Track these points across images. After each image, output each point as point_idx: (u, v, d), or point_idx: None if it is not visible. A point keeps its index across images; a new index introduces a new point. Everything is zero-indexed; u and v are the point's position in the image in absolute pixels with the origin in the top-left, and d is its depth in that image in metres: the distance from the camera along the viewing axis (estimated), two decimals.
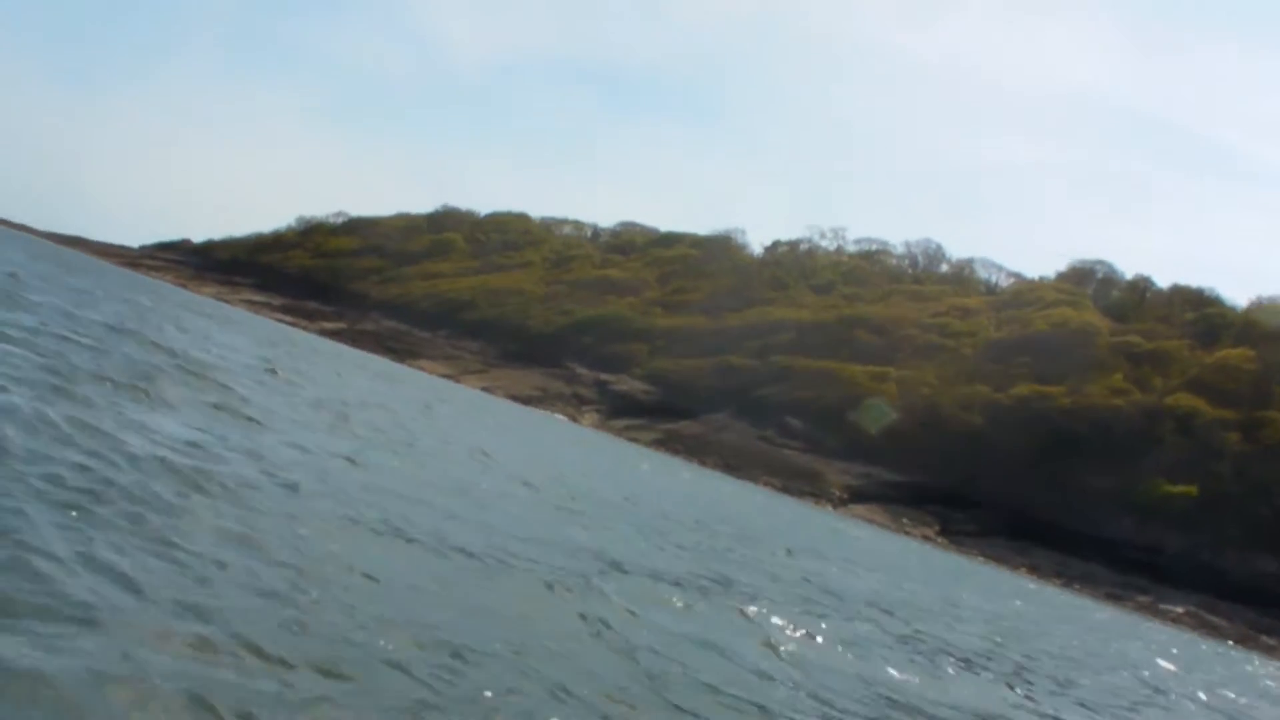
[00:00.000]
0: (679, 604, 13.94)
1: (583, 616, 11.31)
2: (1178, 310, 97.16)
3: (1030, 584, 60.54)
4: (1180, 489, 72.91)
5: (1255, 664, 49.19)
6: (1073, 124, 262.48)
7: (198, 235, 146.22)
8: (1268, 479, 72.12)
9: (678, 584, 15.33)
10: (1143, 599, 65.36)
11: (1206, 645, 53.20)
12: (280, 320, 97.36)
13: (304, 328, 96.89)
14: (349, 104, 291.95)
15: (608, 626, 11.22)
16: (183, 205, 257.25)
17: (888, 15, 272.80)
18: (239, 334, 47.37)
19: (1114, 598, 64.65)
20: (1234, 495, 71.58)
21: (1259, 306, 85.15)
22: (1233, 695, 28.70)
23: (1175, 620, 62.28)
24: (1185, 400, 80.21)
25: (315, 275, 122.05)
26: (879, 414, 74.31)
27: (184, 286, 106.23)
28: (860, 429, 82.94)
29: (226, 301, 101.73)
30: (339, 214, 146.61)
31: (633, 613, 12.13)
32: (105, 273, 76.15)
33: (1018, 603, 41.23)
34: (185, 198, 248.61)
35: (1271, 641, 60.91)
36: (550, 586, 12.22)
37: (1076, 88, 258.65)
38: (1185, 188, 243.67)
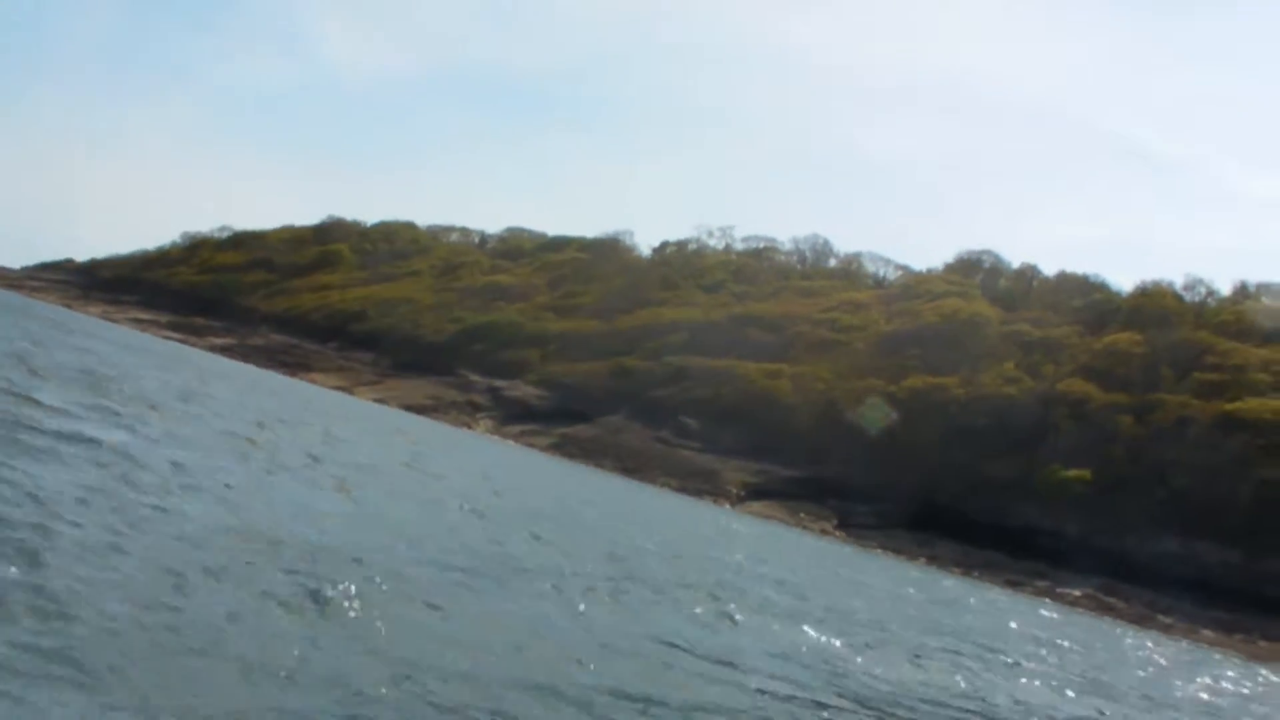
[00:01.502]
0: None
1: None
2: (1065, 297, 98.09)
3: (916, 570, 60.76)
4: (1076, 474, 73.38)
5: (1129, 638, 49.56)
6: (954, 113, 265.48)
7: (81, 254, 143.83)
8: (1161, 461, 72.80)
9: None
10: (1041, 584, 65.62)
11: (1082, 622, 53.51)
12: (169, 338, 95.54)
13: (193, 344, 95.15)
14: (231, 118, 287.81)
15: None
16: (64, 225, 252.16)
17: (766, 5, 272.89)
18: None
19: (1013, 584, 64.84)
20: (1129, 478, 72.13)
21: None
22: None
23: (1073, 603, 62.58)
24: (1077, 386, 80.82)
25: (202, 291, 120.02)
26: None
27: (69, 306, 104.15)
28: (755, 425, 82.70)
29: (113, 320, 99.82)
30: (224, 229, 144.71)
31: None
32: None
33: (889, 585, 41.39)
34: (67, 217, 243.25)
35: (1169, 620, 61.34)
36: None
37: (958, 75, 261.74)
38: (1070, 174, 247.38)
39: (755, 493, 76.96)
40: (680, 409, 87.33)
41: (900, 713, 15.38)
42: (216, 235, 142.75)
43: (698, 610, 19.53)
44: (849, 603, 29.48)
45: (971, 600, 47.55)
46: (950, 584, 56.78)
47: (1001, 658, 25.46)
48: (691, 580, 23.47)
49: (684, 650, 15.23)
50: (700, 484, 76.63)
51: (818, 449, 79.54)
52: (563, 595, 17.07)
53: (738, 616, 19.97)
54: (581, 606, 16.66)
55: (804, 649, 18.59)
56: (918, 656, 21.82)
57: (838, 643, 20.25)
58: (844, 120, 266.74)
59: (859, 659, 19.10)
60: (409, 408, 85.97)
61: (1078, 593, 64.23)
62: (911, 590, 42.59)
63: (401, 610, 13.11)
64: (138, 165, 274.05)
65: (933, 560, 67.81)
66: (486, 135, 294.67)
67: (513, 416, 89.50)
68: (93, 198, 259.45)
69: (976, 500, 73.07)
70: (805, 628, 20.78)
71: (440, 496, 27.31)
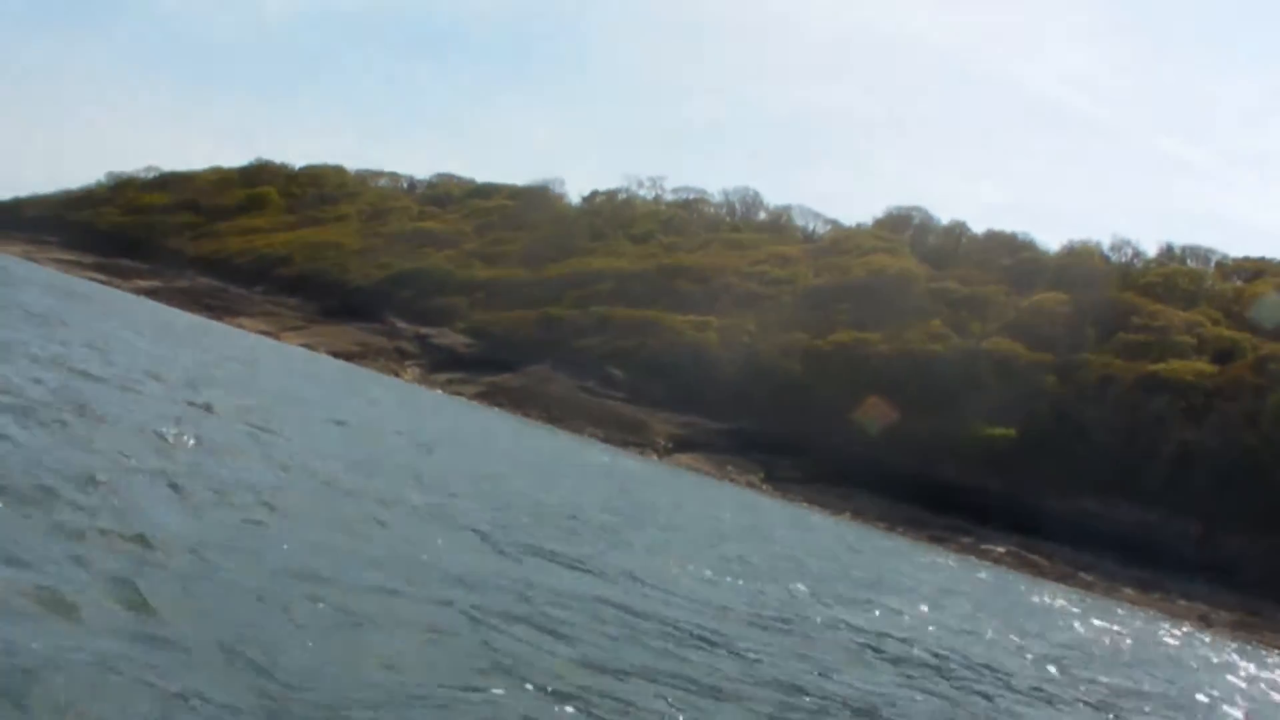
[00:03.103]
0: None
1: None
2: (993, 255, 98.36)
3: (833, 522, 61.15)
4: (1001, 432, 73.87)
5: (1021, 585, 50.05)
6: (886, 70, 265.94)
7: (2, 193, 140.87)
8: (1085, 420, 73.47)
9: None
10: (965, 540, 66.07)
11: (992, 574, 53.94)
12: (93, 279, 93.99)
13: (118, 286, 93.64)
14: (157, 56, 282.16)
15: None
16: None
17: None
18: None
19: (937, 540, 65.22)
20: (1053, 436, 72.73)
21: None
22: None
23: (996, 560, 63.09)
24: (1003, 344, 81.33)
25: (127, 232, 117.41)
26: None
27: None
28: (682, 376, 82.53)
29: (35, 261, 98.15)
30: (150, 169, 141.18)
31: None
32: None
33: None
34: None
35: (1090, 579, 62.01)
36: None
37: (890, 33, 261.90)
38: (998, 134, 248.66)
39: (682, 445, 76.89)
40: (607, 359, 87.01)
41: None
42: (142, 176, 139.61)
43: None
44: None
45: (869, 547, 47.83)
46: (850, 530, 57.41)
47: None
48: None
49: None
50: (627, 435, 76.45)
51: (744, 402, 79.46)
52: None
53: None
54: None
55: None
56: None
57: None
58: (776, 75, 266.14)
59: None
60: (336, 354, 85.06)
61: (1001, 549, 64.73)
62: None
63: None
64: (61, 104, 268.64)
65: (856, 514, 68.02)
66: (417, 80, 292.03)
67: (440, 364, 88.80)
68: (14, 136, 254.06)
69: (900, 456, 73.29)
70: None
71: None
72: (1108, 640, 32.62)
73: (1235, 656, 41.52)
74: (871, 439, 74.74)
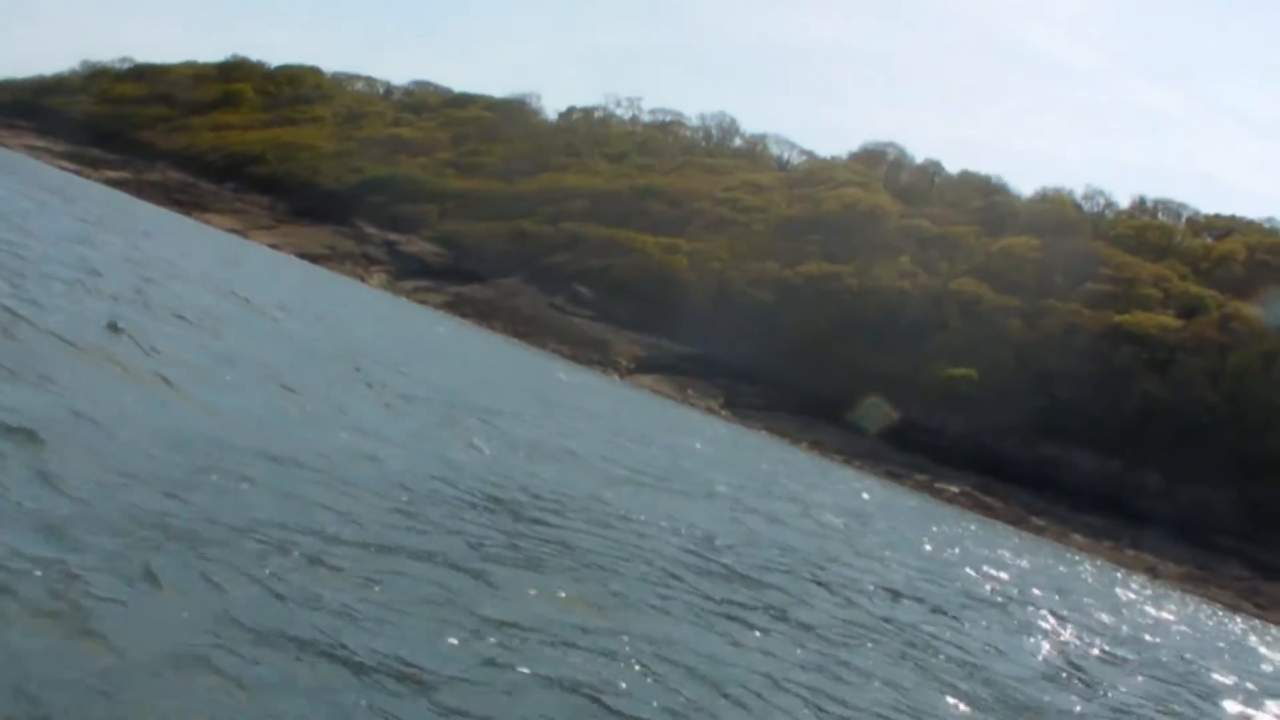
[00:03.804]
0: None
1: None
2: (966, 196, 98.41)
3: (793, 452, 61.41)
4: (963, 372, 74.10)
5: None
6: (868, 7, 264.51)
7: None
8: (1048, 366, 73.82)
9: None
10: (920, 477, 66.43)
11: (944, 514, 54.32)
12: (63, 167, 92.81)
13: (87, 175, 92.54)
14: None
15: None
16: None
17: None
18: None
19: (893, 475, 65.55)
20: (1016, 381, 73.02)
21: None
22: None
23: (950, 499, 63.50)
24: (970, 286, 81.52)
25: (100, 122, 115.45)
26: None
27: None
28: (650, 299, 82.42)
29: (5, 145, 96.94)
30: (125, 59, 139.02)
31: None
32: None
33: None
34: None
35: (1041, 523, 62.49)
36: None
37: None
38: (978, 77, 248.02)
39: (645, 366, 76.91)
40: (576, 277, 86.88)
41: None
42: (117, 66, 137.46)
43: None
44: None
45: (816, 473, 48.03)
46: (804, 458, 57.76)
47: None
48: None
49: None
50: (591, 353, 76.39)
51: (710, 327, 79.45)
52: None
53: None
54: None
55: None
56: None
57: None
58: (758, 5, 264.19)
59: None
60: (304, 255, 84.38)
61: (955, 489, 65.14)
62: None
63: None
64: None
65: (815, 445, 68.23)
66: None
67: (408, 271, 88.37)
68: None
69: (859, 390, 73.49)
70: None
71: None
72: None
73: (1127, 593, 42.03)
74: (829, 370, 74.79)
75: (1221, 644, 32.91)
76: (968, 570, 28.27)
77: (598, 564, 12.97)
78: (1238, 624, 45.98)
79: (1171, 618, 35.67)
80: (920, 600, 19.38)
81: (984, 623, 19.51)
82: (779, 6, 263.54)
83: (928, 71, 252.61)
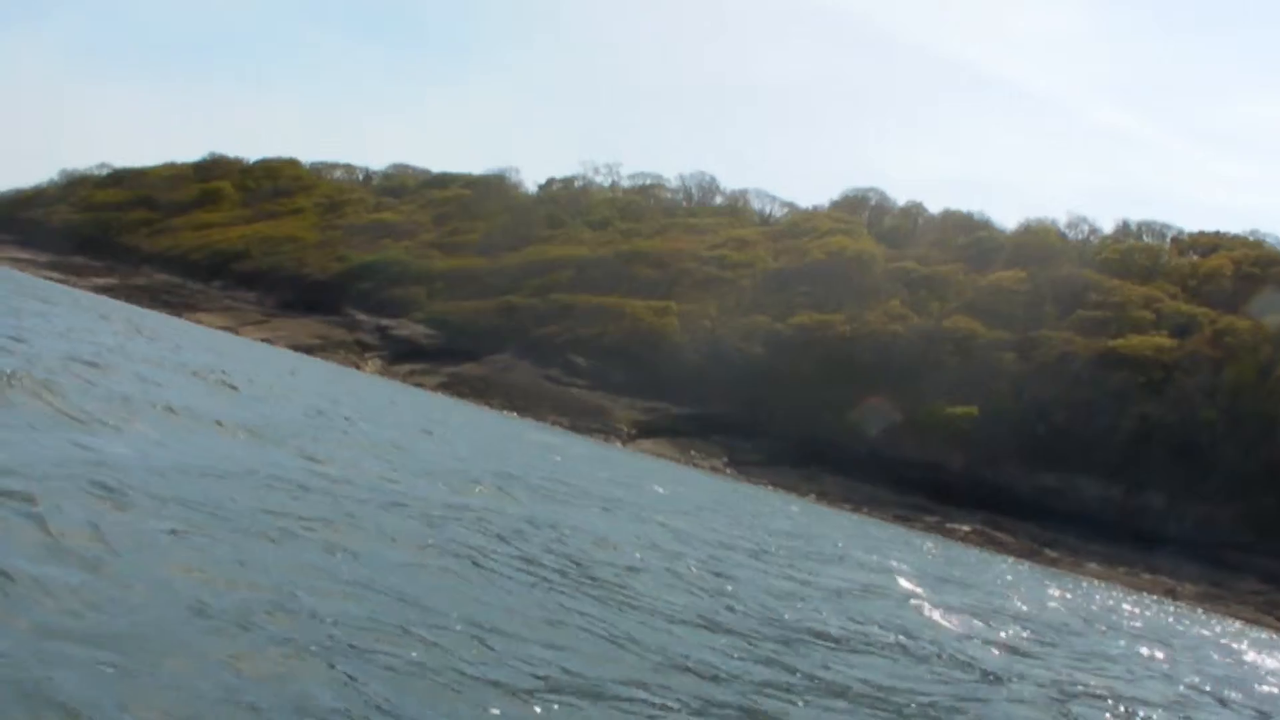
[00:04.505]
0: None
1: None
2: (950, 235, 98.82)
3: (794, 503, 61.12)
4: (962, 410, 74.26)
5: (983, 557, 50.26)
6: (836, 44, 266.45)
7: None
8: (1043, 397, 74.00)
9: None
10: (930, 519, 66.39)
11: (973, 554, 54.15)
12: (50, 278, 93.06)
13: (75, 284, 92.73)
14: (104, 49, 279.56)
15: None
16: None
17: None
18: None
19: (902, 519, 65.49)
20: (1013, 414, 73.22)
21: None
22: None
23: (963, 538, 63.38)
24: (962, 323, 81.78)
25: (82, 229, 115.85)
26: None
27: None
28: (644, 362, 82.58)
29: None
30: (103, 165, 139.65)
31: None
32: None
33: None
34: None
35: (1054, 554, 62.43)
36: None
37: (836, 6, 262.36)
38: (953, 110, 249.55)
39: (645, 430, 76.92)
40: (568, 347, 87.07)
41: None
42: (96, 173, 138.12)
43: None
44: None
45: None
46: (847, 519, 57.41)
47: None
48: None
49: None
50: (590, 422, 76.36)
51: (706, 386, 79.63)
52: None
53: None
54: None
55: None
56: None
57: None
58: (727, 52, 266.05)
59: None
60: (296, 347, 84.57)
61: (966, 528, 65.11)
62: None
63: None
64: (8, 100, 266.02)
65: (821, 496, 68.22)
66: (368, 69, 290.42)
67: (401, 355, 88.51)
68: None
69: (858, 436, 73.66)
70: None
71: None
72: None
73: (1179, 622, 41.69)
74: (840, 425, 74.95)
75: None
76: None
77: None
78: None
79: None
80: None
81: None
82: (746, 53, 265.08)
83: (903, 110, 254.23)
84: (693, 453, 73.79)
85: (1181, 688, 20.23)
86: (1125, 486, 68.18)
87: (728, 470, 72.12)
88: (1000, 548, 61.92)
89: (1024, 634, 22.01)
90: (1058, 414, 73.02)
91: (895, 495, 69.09)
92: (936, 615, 20.73)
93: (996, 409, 73.81)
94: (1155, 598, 54.80)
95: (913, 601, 22.42)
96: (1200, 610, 53.62)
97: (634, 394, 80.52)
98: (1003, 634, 20.92)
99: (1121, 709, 15.59)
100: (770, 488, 67.93)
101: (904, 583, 25.74)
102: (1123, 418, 71.78)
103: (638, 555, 17.99)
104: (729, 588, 17.18)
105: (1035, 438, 71.49)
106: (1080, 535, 64.59)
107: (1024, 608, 28.67)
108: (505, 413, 74.61)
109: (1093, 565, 61.11)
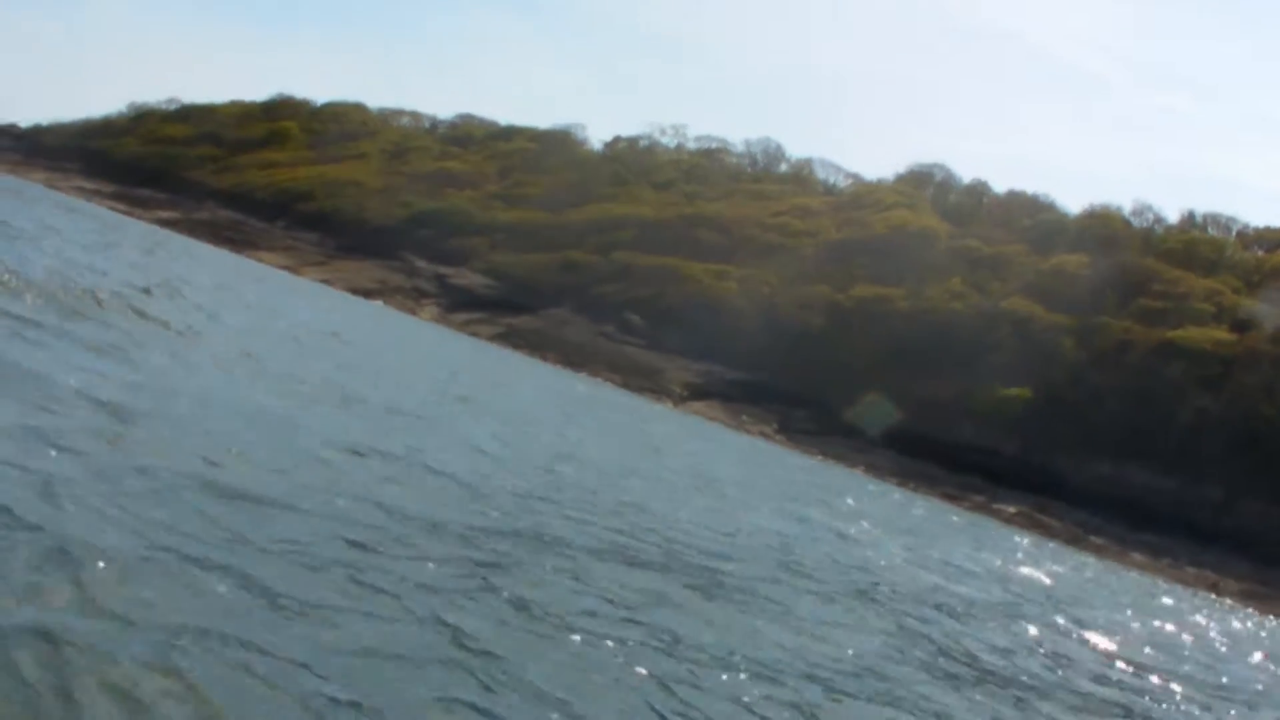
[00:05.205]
0: None
1: None
2: (1014, 215, 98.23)
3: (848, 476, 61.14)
4: (1016, 392, 74.02)
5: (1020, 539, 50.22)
6: (910, 28, 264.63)
7: (24, 120, 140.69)
8: (1100, 384, 73.59)
9: None
10: (977, 498, 66.26)
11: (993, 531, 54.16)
12: (113, 208, 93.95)
13: (138, 216, 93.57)
14: None
15: None
16: (6, 89, 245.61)
17: None
18: None
19: (950, 497, 65.40)
20: (1068, 400, 72.88)
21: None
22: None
23: (1008, 520, 63.21)
24: (1021, 305, 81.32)
25: (148, 162, 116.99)
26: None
27: (12, 173, 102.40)
28: (700, 325, 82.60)
29: (57, 188, 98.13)
30: (172, 100, 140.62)
31: None
32: None
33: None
34: (8, 82, 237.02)
35: (1100, 541, 62.20)
36: None
37: None
38: (1018, 95, 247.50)
39: (698, 393, 77.08)
40: (625, 305, 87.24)
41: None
42: (164, 107, 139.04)
43: None
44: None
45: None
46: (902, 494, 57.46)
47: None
48: None
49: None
50: (643, 381, 76.62)
51: (762, 352, 79.62)
52: None
53: None
54: None
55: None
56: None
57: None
58: (799, 30, 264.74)
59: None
60: (354, 290, 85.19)
61: (1012, 509, 64.94)
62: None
63: None
64: (84, 32, 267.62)
65: (870, 469, 68.19)
66: (438, 18, 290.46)
67: (458, 304, 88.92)
68: (37, 63, 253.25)
69: (912, 412, 73.57)
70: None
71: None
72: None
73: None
74: (891, 393, 74.79)
75: None
76: None
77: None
78: None
79: None
80: None
81: None
82: (815, 34, 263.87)
83: (972, 91, 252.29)
84: (744, 417, 73.91)
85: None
86: (1181, 479, 67.73)
87: (778, 436, 72.21)
88: (1045, 531, 61.75)
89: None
90: (1113, 402, 72.59)
91: (948, 474, 68.95)
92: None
93: (1052, 394, 73.47)
94: (1195, 590, 54.60)
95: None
96: (1245, 607, 53.33)
97: (688, 356, 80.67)
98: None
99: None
100: (820, 458, 67.99)
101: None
102: (1179, 410, 71.29)
103: None
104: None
105: (1090, 425, 71.11)
106: (1128, 525, 64.27)
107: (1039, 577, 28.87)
108: (558, 367, 75.01)
109: (1137, 555, 60.82)
